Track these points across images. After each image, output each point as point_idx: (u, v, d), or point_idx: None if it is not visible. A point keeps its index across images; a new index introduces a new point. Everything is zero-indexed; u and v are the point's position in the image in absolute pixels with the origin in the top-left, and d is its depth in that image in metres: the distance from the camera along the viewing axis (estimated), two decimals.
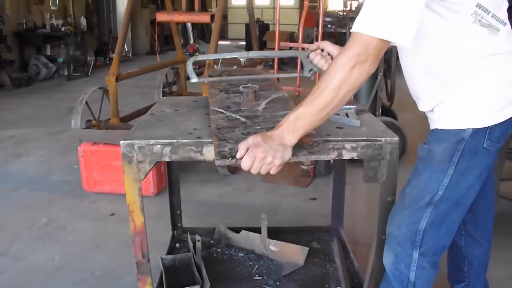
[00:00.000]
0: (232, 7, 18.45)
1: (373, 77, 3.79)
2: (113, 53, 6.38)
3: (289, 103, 1.77)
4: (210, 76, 2.26)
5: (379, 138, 1.53)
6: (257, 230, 2.35)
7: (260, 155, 1.28)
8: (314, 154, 1.36)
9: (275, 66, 5.60)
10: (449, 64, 1.38)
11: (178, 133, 1.58)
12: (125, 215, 1.67)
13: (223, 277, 2.17)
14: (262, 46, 10.69)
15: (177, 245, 2.48)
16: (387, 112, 4.35)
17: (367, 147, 1.53)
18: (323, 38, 5.63)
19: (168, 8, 4.91)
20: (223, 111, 1.69)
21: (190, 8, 4.36)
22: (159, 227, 2.67)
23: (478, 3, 1.32)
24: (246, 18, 11.93)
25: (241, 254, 2.35)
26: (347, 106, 1.82)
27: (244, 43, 12.81)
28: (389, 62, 4.31)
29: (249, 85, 1.87)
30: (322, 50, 1.76)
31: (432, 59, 1.40)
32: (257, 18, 11.48)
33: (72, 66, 8.80)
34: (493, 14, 1.33)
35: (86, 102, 3.93)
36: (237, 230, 2.44)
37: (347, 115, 1.71)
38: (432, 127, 1.50)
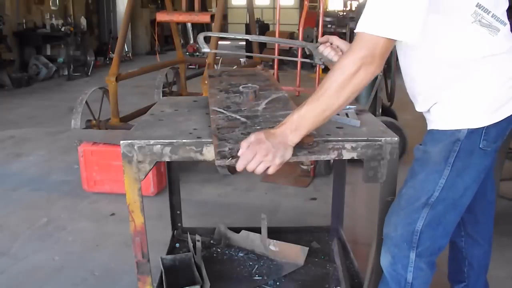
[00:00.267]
0: (232, 7, 18.46)
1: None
2: (113, 53, 6.38)
3: (289, 103, 1.77)
4: (210, 76, 2.26)
5: (379, 138, 1.53)
6: (257, 230, 2.35)
7: (262, 152, 1.28)
8: (314, 154, 1.36)
9: (275, 66, 5.60)
10: (448, 64, 1.37)
11: (178, 133, 1.58)
12: (125, 215, 1.67)
13: (223, 277, 2.17)
14: (262, 46, 10.70)
15: (177, 245, 2.48)
16: (387, 112, 4.35)
17: (367, 147, 1.53)
18: None
19: (168, 8, 4.91)
20: (223, 111, 1.69)
21: (190, 8, 4.36)
22: (159, 227, 2.67)
23: (478, 3, 1.31)
24: (246, 18, 11.93)
25: (241, 254, 2.35)
26: (347, 106, 1.82)
27: (244, 43, 12.82)
28: (389, 62, 4.31)
29: (249, 85, 1.87)
30: (331, 44, 1.77)
31: (431, 59, 1.40)
32: (257, 18, 11.50)
33: (72, 66, 8.80)
34: (493, 14, 1.33)
35: (86, 102, 3.93)
36: (237, 230, 2.44)
37: (347, 115, 1.71)
38: (428, 127, 1.49)
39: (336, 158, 1.54)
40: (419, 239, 1.48)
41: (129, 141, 1.51)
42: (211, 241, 2.46)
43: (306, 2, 6.16)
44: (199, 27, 14.07)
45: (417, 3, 1.21)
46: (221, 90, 1.98)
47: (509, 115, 1.39)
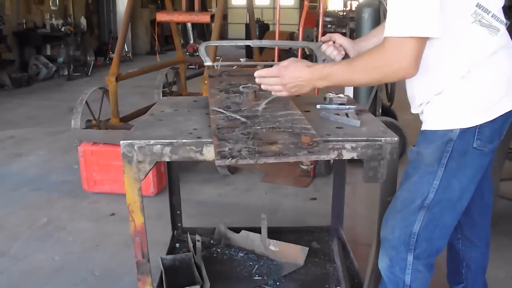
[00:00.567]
0: (232, 7, 18.45)
1: None
2: (113, 53, 6.38)
3: (289, 103, 1.77)
4: (210, 76, 2.26)
5: (379, 138, 1.53)
6: (257, 230, 2.35)
7: (285, 77, 1.50)
8: (314, 154, 1.36)
9: None
10: (447, 64, 1.37)
11: (178, 133, 1.59)
12: (125, 215, 1.67)
13: (223, 277, 2.17)
14: (262, 47, 10.69)
15: (177, 245, 2.48)
16: (387, 112, 4.35)
17: (367, 147, 1.53)
18: None
19: (168, 8, 4.91)
20: (223, 111, 1.69)
21: (190, 8, 4.35)
22: (159, 227, 2.67)
23: (478, 3, 1.31)
24: (246, 18, 11.93)
25: (241, 254, 2.35)
26: (347, 106, 1.82)
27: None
28: None
29: (249, 85, 1.87)
30: (334, 42, 1.77)
31: (431, 60, 1.38)
32: (257, 18, 11.48)
33: (72, 66, 8.80)
34: (493, 14, 1.32)
35: (86, 102, 3.93)
36: (237, 230, 2.44)
37: (347, 115, 1.71)
38: (421, 128, 1.49)
39: (336, 158, 1.54)
40: (417, 241, 1.47)
41: (129, 141, 1.51)
42: (211, 241, 2.46)
43: (306, 2, 6.15)
44: (199, 27, 14.08)
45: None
46: (221, 90, 1.98)
47: (502, 113, 1.38)
